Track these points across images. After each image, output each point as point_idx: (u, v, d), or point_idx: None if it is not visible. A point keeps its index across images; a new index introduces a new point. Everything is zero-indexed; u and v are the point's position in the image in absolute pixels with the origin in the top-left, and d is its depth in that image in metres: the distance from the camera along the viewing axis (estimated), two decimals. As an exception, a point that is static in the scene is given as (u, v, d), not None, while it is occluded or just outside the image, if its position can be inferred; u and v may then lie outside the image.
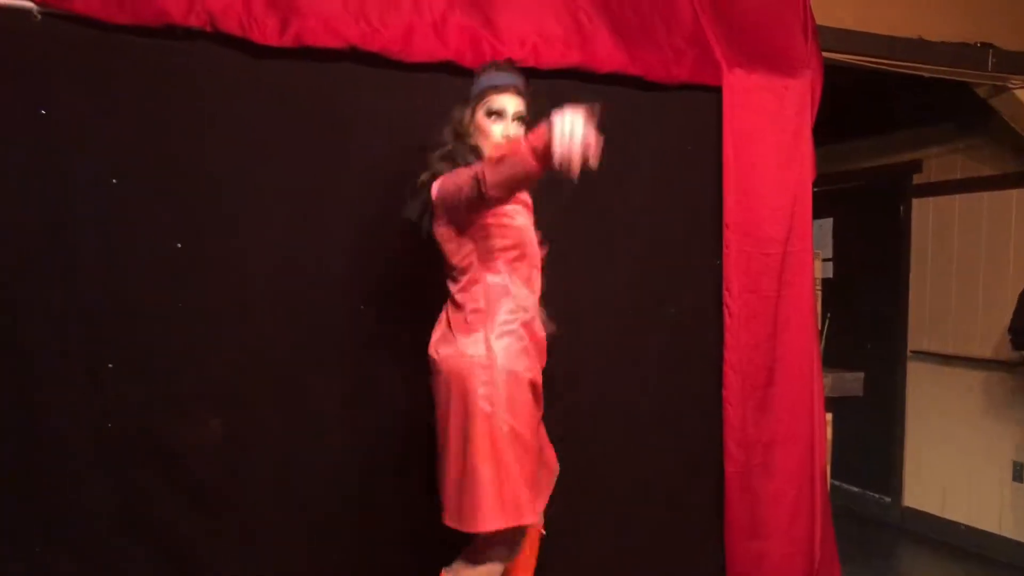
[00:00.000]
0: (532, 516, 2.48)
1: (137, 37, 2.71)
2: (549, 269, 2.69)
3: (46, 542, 2.70)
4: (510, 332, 2.48)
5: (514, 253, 2.53)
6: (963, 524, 4.93)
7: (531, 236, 2.59)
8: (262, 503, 2.90)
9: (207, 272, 2.84)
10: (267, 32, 2.79)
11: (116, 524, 2.77)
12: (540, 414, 2.60)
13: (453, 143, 2.59)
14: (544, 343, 2.60)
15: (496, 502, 2.38)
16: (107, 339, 2.75)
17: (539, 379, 2.56)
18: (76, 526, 2.73)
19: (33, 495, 2.69)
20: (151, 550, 2.81)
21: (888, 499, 5.42)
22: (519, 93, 2.59)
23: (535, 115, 2.73)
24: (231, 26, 2.76)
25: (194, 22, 2.72)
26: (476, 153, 2.56)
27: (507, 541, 2.50)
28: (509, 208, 2.49)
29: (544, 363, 2.60)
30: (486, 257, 2.50)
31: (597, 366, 3.29)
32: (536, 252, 2.60)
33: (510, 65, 2.69)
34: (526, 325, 2.52)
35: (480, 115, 2.56)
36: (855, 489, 5.62)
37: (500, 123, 2.55)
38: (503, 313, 2.48)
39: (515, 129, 2.57)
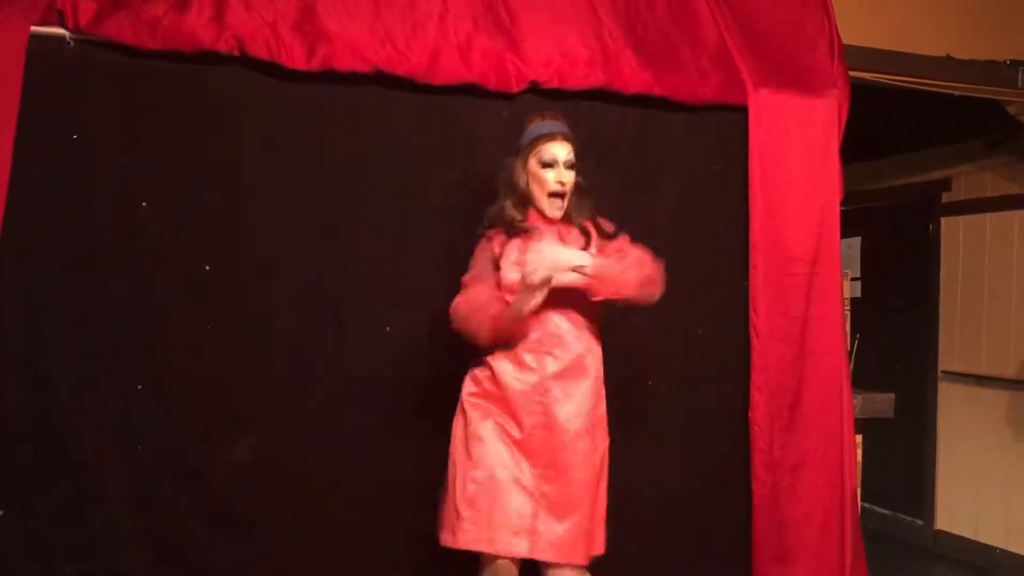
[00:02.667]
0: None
1: (167, 63, 2.75)
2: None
3: (75, 562, 2.73)
4: None
5: None
6: (998, 548, 4.83)
7: None
8: (290, 527, 2.91)
9: (235, 294, 2.87)
10: (295, 57, 2.83)
11: (144, 546, 2.79)
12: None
13: (503, 198, 2.70)
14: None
15: None
16: (136, 361, 2.79)
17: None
18: (105, 547, 2.76)
19: (63, 516, 2.72)
20: (178, 571, 2.82)
21: (920, 522, 5.32)
22: (567, 139, 2.67)
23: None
24: (260, 51, 2.80)
25: (223, 47, 2.77)
26: (524, 205, 2.67)
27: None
28: None
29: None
30: None
31: (623, 386, 3.27)
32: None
33: (553, 114, 2.74)
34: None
35: (533, 164, 2.66)
36: (886, 512, 5.53)
37: (552, 171, 2.65)
38: None
39: (567, 176, 2.66)
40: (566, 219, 2.72)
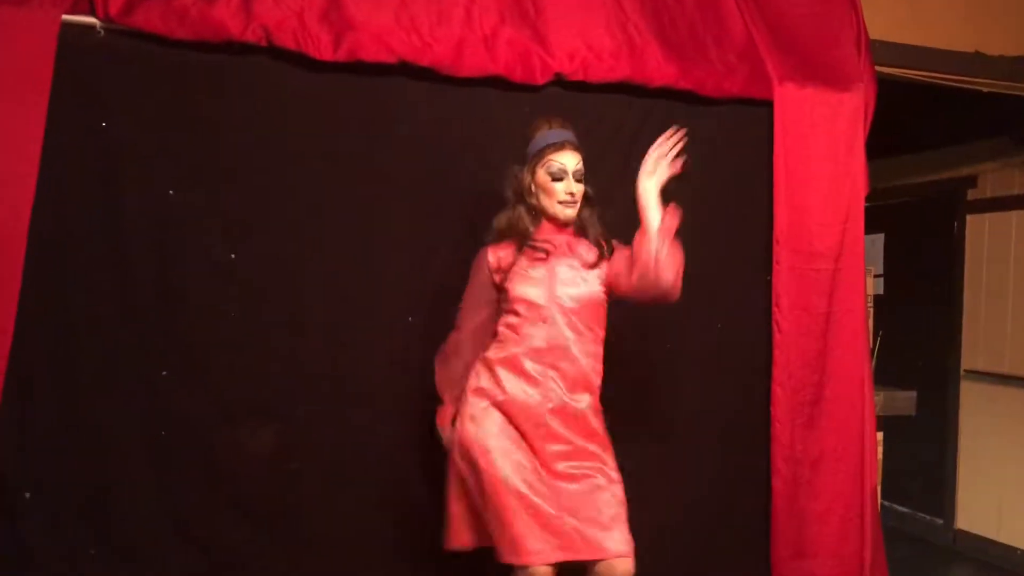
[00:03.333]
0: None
1: (195, 52, 2.77)
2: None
3: (98, 545, 2.76)
4: None
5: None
6: (1020, 549, 4.80)
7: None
8: (311, 514, 2.93)
9: (260, 283, 2.89)
10: (321, 47, 2.84)
11: (167, 528, 2.82)
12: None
13: (514, 206, 2.66)
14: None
15: None
16: (162, 348, 2.81)
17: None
18: (128, 529, 2.79)
19: (88, 499, 2.76)
20: (200, 556, 2.85)
21: (940, 521, 5.29)
22: (576, 149, 2.64)
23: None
24: (286, 41, 2.81)
25: (251, 37, 2.78)
26: (536, 215, 2.64)
27: None
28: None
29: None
30: None
31: (644, 380, 3.28)
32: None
33: (561, 122, 2.70)
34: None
35: (541, 175, 2.62)
36: (906, 510, 5.50)
37: (562, 182, 2.61)
38: None
39: (577, 187, 2.62)
40: (579, 231, 2.70)
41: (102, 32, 2.71)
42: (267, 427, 2.89)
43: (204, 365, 2.84)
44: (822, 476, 3.46)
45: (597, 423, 2.65)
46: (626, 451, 3.12)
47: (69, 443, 2.74)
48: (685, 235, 3.29)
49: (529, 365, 2.58)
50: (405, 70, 2.94)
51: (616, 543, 2.52)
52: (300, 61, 2.85)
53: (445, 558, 2.99)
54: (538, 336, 2.59)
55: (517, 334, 2.61)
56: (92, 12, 2.69)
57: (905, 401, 4.16)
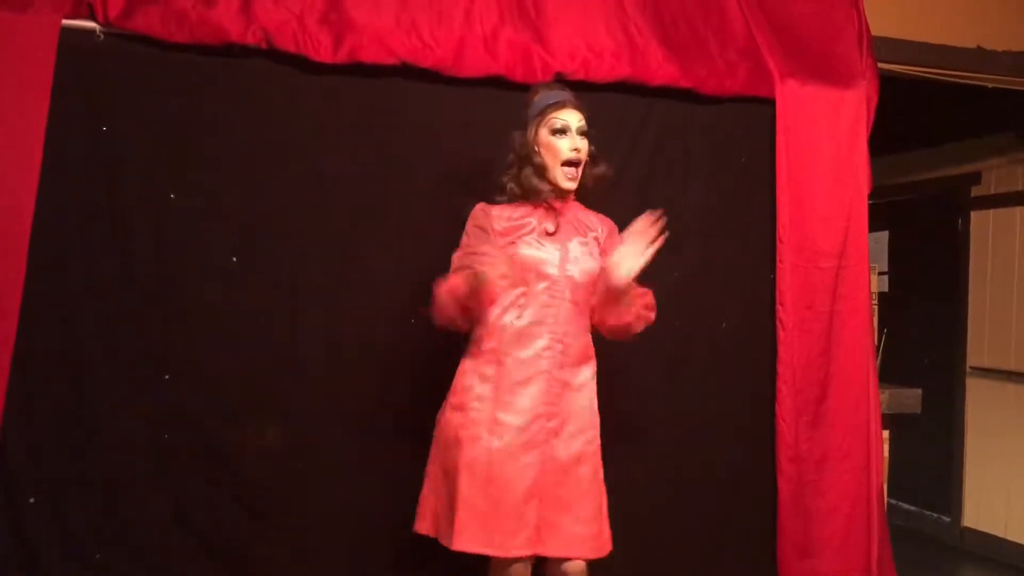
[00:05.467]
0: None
1: (195, 55, 2.78)
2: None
3: (105, 547, 2.77)
4: None
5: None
6: (1027, 546, 4.79)
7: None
8: (315, 511, 2.93)
9: (261, 285, 2.89)
10: (321, 49, 2.84)
11: (172, 530, 2.83)
12: None
13: (518, 168, 2.59)
14: None
15: None
16: (164, 351, 2.82)
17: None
18: (134, 532, 2.80)
19: (92, 502, 2.76)
20: (206, 555, 2.86)
21: (947, 519, 5.28)
22: (577, 107, 2.60)
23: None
24: (286, 43, 2.82)
25: (250, 40, 2.79)
26: (542, 174, 2.56)
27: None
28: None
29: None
30: None
31: (649, 379, 3.27)
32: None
33: (560, 84, 2.69)
34: None
35: (544, 133, 2.56)
36: (912, 508, 5.49)
37: (566, 138, 2.55)
38: None
39: (582, 143, 2.57)
40: (584, 200, 2.65)
41: (102, 36, 2.72)
42: (269, 428, 2.90)
43: (206, 368, 2.84)
44: (828, 475, 3.45)
45: (593, 397, 2.62)
46: (631, 451, 3.12)
47: (73, 448, 2.74)
48: (689, 234, 3.32)
49: (536, 341, 2.52)
50: (406, 71, 2.94)
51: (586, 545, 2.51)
52: (300, 63, 2.85)
53: (446, 555, 3.00)
54: (543, 308, 2.53)
55: (523, 306, 2.53)
56: (92, 16, 2.70)
57: (911, 398, 4.14)
